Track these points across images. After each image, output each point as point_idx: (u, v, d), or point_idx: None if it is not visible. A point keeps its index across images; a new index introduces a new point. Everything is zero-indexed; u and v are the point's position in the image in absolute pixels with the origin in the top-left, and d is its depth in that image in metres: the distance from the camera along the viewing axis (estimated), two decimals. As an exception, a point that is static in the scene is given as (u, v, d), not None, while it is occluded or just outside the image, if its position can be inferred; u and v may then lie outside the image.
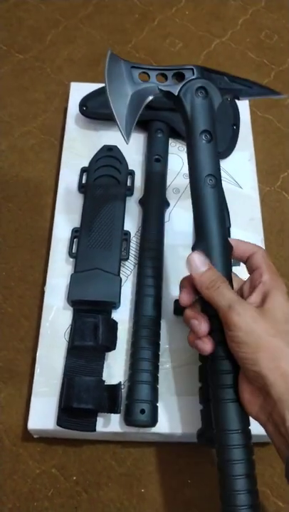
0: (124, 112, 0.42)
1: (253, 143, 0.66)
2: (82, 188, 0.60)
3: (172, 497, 0.47)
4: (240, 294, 0.42)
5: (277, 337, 0.35)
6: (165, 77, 0.44)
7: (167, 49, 0.80)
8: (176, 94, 0.43)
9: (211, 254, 0.40)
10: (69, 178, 0.61)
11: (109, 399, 0.45)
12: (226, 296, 0.37)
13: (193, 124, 0.43)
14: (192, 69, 0.44)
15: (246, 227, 0.59)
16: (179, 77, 0.44)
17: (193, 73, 0.44)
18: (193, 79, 0.43)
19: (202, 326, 0.40)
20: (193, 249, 0.41)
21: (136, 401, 0.46)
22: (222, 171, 0.63)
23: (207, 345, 0.39)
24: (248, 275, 0.42)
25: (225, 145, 0.64)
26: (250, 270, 0.42)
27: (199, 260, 0.40)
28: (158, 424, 0.46)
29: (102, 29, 0.82)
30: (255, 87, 0.48)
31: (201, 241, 0.41)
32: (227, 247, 0.41)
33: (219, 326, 0.38)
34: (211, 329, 0.40)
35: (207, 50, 0.81)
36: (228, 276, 0.41)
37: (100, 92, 0.66)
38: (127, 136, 0.42)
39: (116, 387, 0.46)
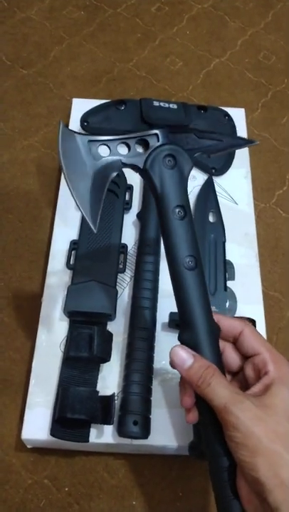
0: (88, 198, 0.37)
1: (250, 160, 0.68)
2: (81, 201, 0.61)
3: (164, 510, 0.48)
4: (244, 379, 0.39)
5: (277, 442, 0.32)
6: (128, 146, 0.40)
7: (168, 67, 0.82)
8: (141, 167, 0.39)
9: (198, 343, 0.37)
10: (68, 191, 0.62)
11: (103, 410, 0.46)
12: (219, 394, 0.34)
13: (164, 200, 0.39)
14: (156, 134, 0.40)
15: (241, 241, 0.60)
16: (143, 145, 0.40)
17: (158, 139, 0.40)
18: (158, 146, 0.39)
19: (186, 398, 0.38)
20: (179, 338, 0.38)
21: (129, 412, 0.46)
22: (218, 187, 0.65)
23: (189, 416, 0.39)
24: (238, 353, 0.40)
25: (222, 162, 0.66)
26: (246, 353, 0.39)
27: (183, 353, 0.37)
28: (150, 436, 0.47)
29: (104, 47, 0.84)
30: (227, 139, 0.44)
31: (186, 330, 0.38)
32: (215, 332, 0.38)
33: (217, 422, 0.35)
34: (208, 422, 0.36)
35: (206, 69, 0.83)
36: (219, 362, 0.38)
37: (101, 108, 0.68)
38: (94, 225, 0.37)
39: (109, 399, 0.46)
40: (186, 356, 0.37)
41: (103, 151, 0.39)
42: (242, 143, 0.47)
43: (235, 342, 0.40)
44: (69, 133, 0.38)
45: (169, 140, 0.40)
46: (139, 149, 0.40)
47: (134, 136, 0.40)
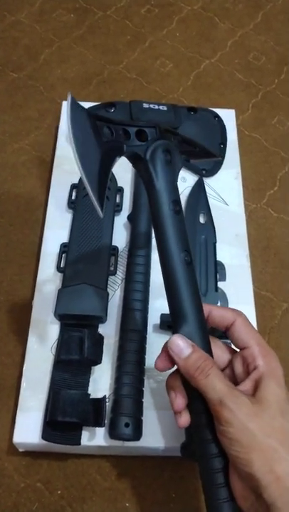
0: (96, 177, 0.35)
1: (240, 161, 0.68)
2: (71, 204, 0.61)
3: (157, 511, 0.48)
4: (232, 373, 0.39)
5: (272, 437, 0.32)
6: (128, 134, 0.39)
7: (158, 69, 0.83)
8: (142, 156, 0.38)
9: (195, 337, 0.37)
10: (59, 194, 0.63)
11: (94, 412, 0.46)
12: (216, 387, 0.34)
13: (161, 193, 0.38)
14: (155, 127, 0.39)
15: (232, 242, 0.61)
16: (142, 136, 0.39)
17: (156, 133, 0.39)
18: (157, 139, 0.39)
19: (178, 400, 0.38)
20: (174, 333, 0.38)
21: (120, 415, 0.46)
22: (209, 188, 0.65)
23: (181, 419, 0.38)
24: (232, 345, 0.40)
25: (212, 163, 0.66)
26: (236, 344, 0.39)
27: (181, 342, 0.36)
28: (142, 438, 0.47)
29: (94, 49, 0.84)
30: (200, 147, 0.45)
31: (183, 324, 0.37)
32: (207, 328, 0.38)
33: (210, 422, 0.35)
34: (201, 421, 0.36)
35: (197, 70, 0.83)
36: (212, 357, 0.37)
37: (91, 110, 0.68)
38: (100, 207, 0.35)
39: (101, 401, 0.46)
40: (184, 346, 0.36)
41: (107, 133, 0.38)
42: (211, 155, 0.48)
43: (227, 332, 0.39)
44: (79, 107, 0.36)
45: (165, 137, 0.40)
46: (137, 139, 0.39)
47: (136, 125, 0.39)
